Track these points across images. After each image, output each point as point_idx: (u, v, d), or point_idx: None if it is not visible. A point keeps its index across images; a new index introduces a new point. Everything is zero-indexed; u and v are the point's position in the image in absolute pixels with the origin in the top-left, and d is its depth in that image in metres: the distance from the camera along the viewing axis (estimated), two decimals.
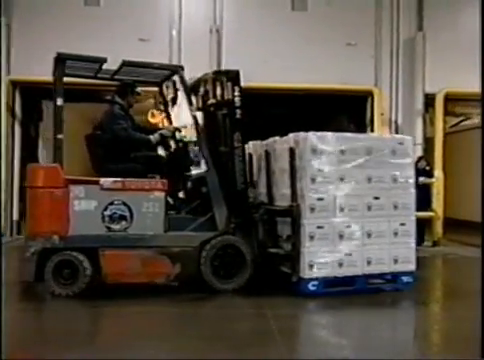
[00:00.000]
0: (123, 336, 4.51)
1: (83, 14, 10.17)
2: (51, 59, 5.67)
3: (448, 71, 10.25)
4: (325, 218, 5.74)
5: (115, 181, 5.67)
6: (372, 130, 10.62)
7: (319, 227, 5.72)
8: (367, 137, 6.32)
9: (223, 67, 9.85)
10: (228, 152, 6.02)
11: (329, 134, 5.86)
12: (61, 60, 5.71)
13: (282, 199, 6.05)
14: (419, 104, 10.61)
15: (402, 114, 10.70)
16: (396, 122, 10.71)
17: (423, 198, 9.78)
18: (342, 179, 5.79)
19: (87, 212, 5.57)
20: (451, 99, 10.59)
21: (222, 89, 6.03)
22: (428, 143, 10.78)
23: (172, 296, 5.64)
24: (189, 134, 9.77)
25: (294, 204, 5.69)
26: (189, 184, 6.33)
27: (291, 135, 5.95)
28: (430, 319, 5.37)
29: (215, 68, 9.62)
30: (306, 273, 5.67)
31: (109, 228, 5.63)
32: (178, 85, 6.31)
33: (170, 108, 6.90)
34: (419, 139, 10.52)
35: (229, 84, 6.04)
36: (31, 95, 10.74)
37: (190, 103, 6.08)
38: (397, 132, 10.66)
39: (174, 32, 10.31)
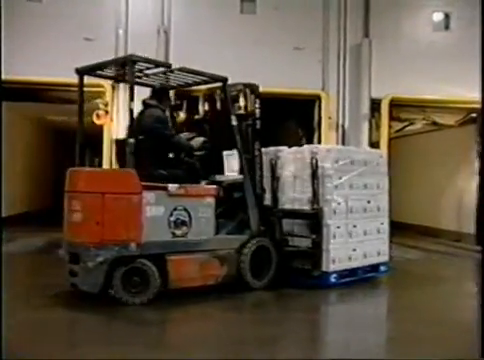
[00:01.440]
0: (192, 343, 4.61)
1: (26, 11, 9.91)
2: None
3: (393, 77, 10.43)
4: (341, 219, 6.83)
5: (180, 187, 5.83)
6: (319, 134, 10.71)
7: (338, 227, 6.79)
8: (364, 151, 7.63)
9: None
10: (250, 159, 6.58)
11: (343, 148, 7.66)
12: (132, 63, 5.72)
13: (291, 203, 6.96)
14: (365, 109, 10.72)
15: (349, 118, 10.81)
16: (343, 126, 10.80)
17: None
18: (351, 186, 6.95)
19: (156, 218, 5.65)
20: (396, 105, 10.75)
21: (246, 100, 6.63)
22: (374, 147, 10.44)
23: (208, 300, 5.83)
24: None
25: (318, 207, 6.64)
26: (220, 189, 6.46)
27: (306, 147, 7.08)
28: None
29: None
30: (330, 267, 6.67)
31: (173, 234, 5.78)
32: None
33: (175, 113, 7.34)
34: (365, 143, 10.66)
35: (252, 96, 6.64)
36: None
37: (231, 113, 6.41)
38: (344, 136, 10.80)
39: (120, 31, 10.15)
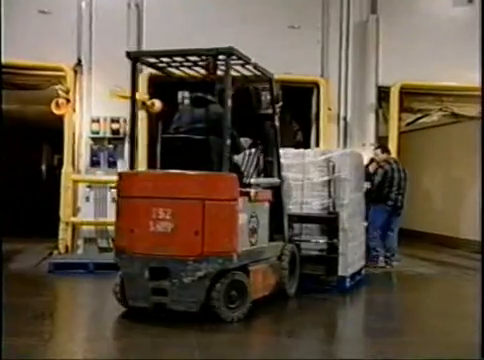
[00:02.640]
0: None
1: None
2: None
3: (405, 61, 10.17)
4: (351, 223, 7.56)
5: (256, 192, 6.07)
6: (318, 128, 10.49)
7: (351, 231, 7.53)
8: (354, 153, 8.29)
9: (144, 48, 9.59)
10: (272, 162, 6.78)
11: (352, 151, 8.42)
12: (228, 55, 5.80)
13: (299, 207, 7.46)
14: (371, 98, 10.54)
15: (352, 109, 10.60)
16: (345, 119, 10.61)
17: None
18: (356, 190, 7.88)
19: (243, 226, 5.85)
20: (408, 93, 10.50)
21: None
22: (381, 143, 10.53)
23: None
24: (103, 129, 9.44)
25: (336, 211, 7.31)
26: None
27: (316, 150, 7.88)
28: None
29: (134, 49, 9.40)
30: (348, 271, 7.39)
31: (250, 242, 6.03)
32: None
33: None
34: (371, 138, 10.51)
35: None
36: None
37: (275, 113, 6.76)
38: (346, 130, 10.61)
39: (83, 4, 9.78)
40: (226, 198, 5.59)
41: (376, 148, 9.76)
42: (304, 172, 7.45)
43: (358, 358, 4.96)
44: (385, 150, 9.64)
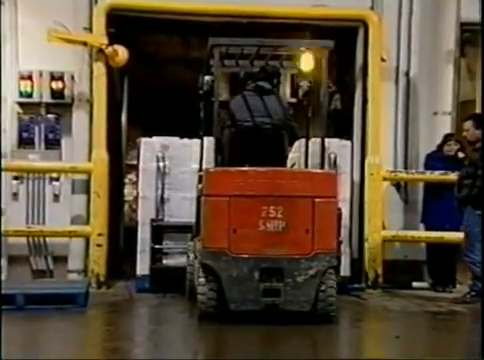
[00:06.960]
0: None
1: None
2: None
3: None
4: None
5: None
6: (365, 88, 10.47)
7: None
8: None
9: None
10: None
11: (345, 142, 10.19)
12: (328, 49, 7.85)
13: None
14: (449, 42, 10.47)
15: (418, 60, 10.54)
16: (407, 74, 10.54)
17: (453, 207, 9.25)
18: None
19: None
20: None
21: None
22: (464, 110, 10.67)
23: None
24: (38, 90, 9.26)
25: (338, 207, 8.27)
26: None
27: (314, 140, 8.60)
28: None
29: None
30: (347, 272, 9.51)
31: None
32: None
33: None
34: (448, 105, 10.42)
35: None
36: None
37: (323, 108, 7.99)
38: (408, 92, 10.54)
39: None
40: (331, 195, 7.39)
41: (466, 120, 9.27)
42: (300, 165, 8.81)
43: None
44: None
